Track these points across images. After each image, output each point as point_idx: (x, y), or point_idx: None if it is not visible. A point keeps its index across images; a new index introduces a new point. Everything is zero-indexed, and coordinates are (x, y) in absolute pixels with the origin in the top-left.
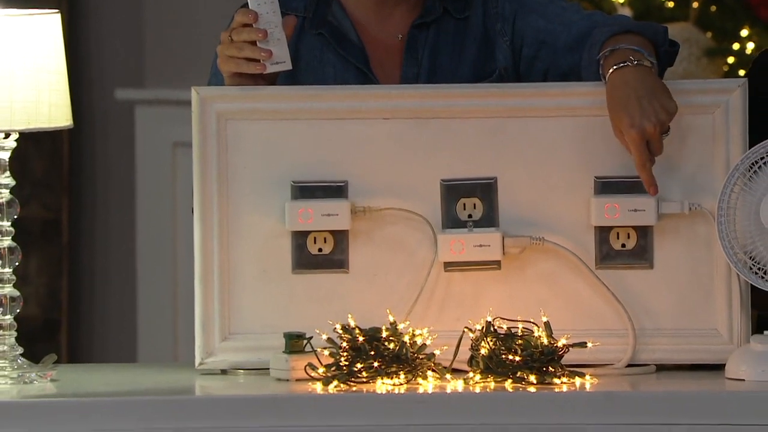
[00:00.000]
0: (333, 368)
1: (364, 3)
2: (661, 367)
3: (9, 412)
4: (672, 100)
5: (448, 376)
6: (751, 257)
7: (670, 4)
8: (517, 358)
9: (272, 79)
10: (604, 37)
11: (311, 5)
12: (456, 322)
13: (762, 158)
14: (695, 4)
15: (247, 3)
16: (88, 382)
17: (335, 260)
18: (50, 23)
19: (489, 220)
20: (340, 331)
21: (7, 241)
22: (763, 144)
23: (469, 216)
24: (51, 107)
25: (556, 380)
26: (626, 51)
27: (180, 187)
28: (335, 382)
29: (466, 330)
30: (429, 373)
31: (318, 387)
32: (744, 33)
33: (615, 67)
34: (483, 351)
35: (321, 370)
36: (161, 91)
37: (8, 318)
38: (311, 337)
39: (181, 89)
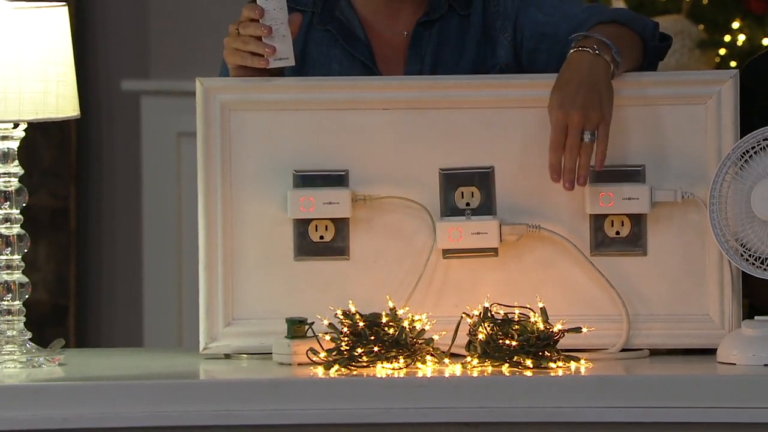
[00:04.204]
0: (334, 353)
1: (372, 0)
2: (655, 352)
3: (18, 396)
4: (609, 106)
5: (446, 360)
6: (742, 244)
7: None
8: (514, 343)
9: (277, 74)
10: (590, 24)
11: (320, 1)
12: (454, 307)
13: (753, 147)
14: None
15: None
16: (95, 366)
17: (336, 247)
18: (58, 15)
19: (486, 208)
20: (341, 317)
21: (17, 229)
22: (754, 134)
23: (467, 204)
24: (59, 98)
25: (551, 365)
26: (595, 39)
27: (184, 176)
28: (336, 367)
29: (464, 315)
30: (428, 357)
31: (319, 371)
32: (735, 25)
33: (575, 49)
34: (480, 336)
35: (322, 354)
36: (166, 82)
37: (17, 303)
38: (313, 323)
39: (186, 80)
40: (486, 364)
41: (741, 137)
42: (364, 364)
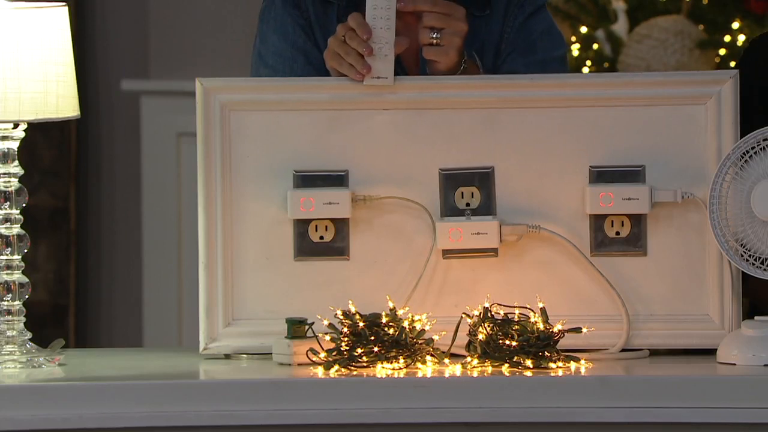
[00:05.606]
0: (334, 353)
1: None
2: (655, 352)
3: (18, 396)
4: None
5: (446, 360)
6: (742, 245)
7: None
8: (514, 343)
9: None
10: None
11: None
12: (454, 308)
13: (753, 148)
14: None
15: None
16: (95, 366)
17: (336, 248)
18: (58, 16)
19: (486, 208)
20: (341, 317)
21: (16, 229)
22: (754, 134)
23: (467, 204)
24: (59, 98)
25: (551, 365)
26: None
27: (184, 177)
28: (336, 367)
29: (464, 316)
30: (428, 357)
31: (319, 371)
32: (735, 25)
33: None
34: (480, 336)
35: (322, 354)
36: (166, 82)
37: (17, 304)
38: (313, 323)
39: (186, 80)
40: (486, 364)
41: (741, 136)
42: (364, 364)
